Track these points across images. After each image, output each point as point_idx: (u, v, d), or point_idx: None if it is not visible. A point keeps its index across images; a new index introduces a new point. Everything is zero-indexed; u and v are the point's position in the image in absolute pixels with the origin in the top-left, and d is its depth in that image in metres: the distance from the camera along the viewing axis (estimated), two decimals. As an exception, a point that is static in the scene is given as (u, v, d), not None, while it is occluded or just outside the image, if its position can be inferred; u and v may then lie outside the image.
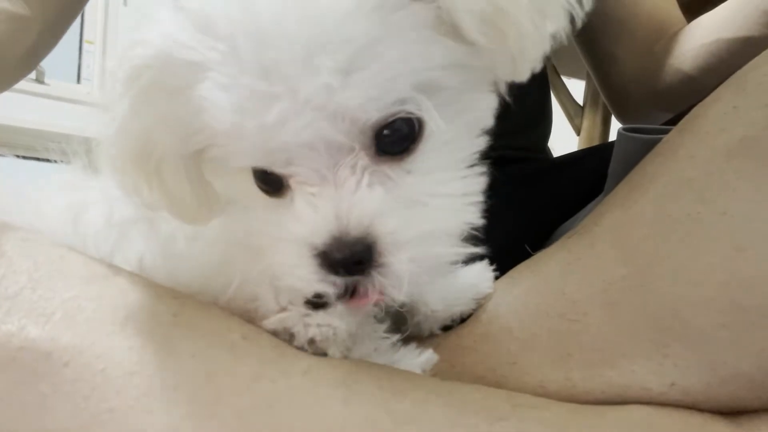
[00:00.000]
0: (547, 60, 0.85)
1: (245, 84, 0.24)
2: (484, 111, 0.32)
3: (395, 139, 0.27)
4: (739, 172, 0.30)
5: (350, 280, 0.27)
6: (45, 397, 0.25)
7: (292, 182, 0.27)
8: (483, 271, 0.40)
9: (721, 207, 0.30)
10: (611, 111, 0.79)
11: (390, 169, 0.27)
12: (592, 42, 0.73)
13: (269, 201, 0.29)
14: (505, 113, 0.62)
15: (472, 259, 0.42)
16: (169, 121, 0.27)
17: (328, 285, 0.27)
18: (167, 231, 0.33)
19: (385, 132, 0.27)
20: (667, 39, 0.65)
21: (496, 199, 0.55)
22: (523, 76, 0.30)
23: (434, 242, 0.28)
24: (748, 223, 0.29)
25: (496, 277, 0.41)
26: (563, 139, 0.89)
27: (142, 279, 0.31)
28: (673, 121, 0.40)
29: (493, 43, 0.27)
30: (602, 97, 0.80)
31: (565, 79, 1.19)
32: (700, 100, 0.35)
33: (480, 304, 0.39)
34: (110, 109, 0.28)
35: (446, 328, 0.39)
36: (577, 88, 1.18)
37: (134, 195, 0.30)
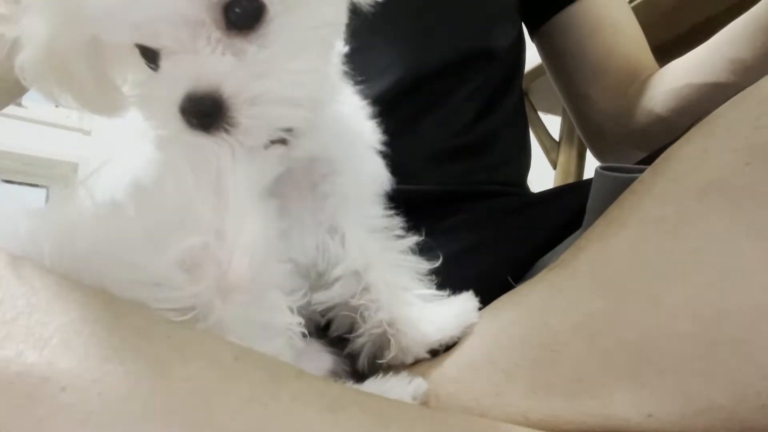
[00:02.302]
0: (525, 96, 0.88)
1: None
2: (330, 14, 0.37)
3: (242, 16, 0.33)
4: (710, 211, 0.32)
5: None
6: (42, 422, 0.25)
7: (163, 54, 0.34)
8: (468, 300, 0.41)
9: (694, 244, 0.32)
10: (588, 147, 0.82)
11: (241, 43, 0.33)
12: (569, 82, 0.76)
13: (147, 70, 0.35)
14: (486, 149, 0.65)
15: (457, 290, 0.44)
16: (66, 18, 0.33)
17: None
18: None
19: (236, 9, 0.32)
20: (640, 82, 0.69)
21: (479, 232, 0.57)
22: None
23: (274, 103, 0.33)
24: (720, 260, 0.31)
25: (479, 308, 0.42)
26: (540, 172, 0.91)
27: (136, 304, 0.31)
28: (648, 159, 0.42)
29: None
30: (578, 133, 0.83)
31: (542, 114, 1.23)
32: (673, 140, 0.37)
33: (465, 333, 0.40)
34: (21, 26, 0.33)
35: (434, 353, 0.40)
36: (553, 123, 1.21)
37: (50, 96, 0.35)
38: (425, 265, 0.45)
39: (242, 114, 0.32)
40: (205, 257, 0.32)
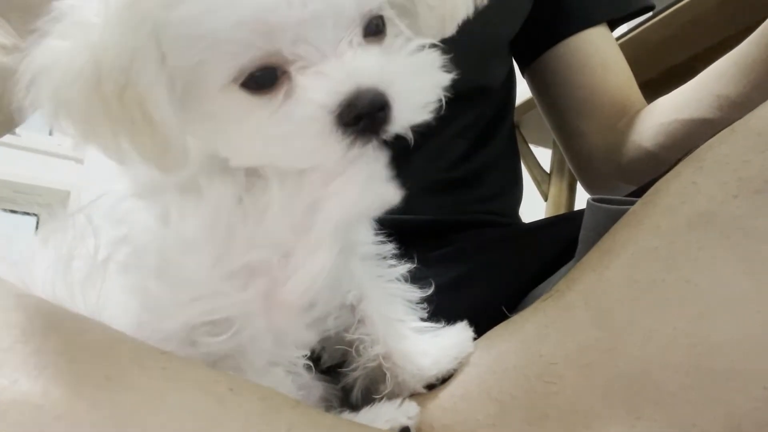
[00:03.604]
0: (516, 128, 0.90)
1: None
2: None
3: (373, 28, 0.32)
4: (699, 243, 0.33)
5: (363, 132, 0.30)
6: None
7: (292, 69, 0.30)
8: (463, 331, 0.41)
9: (685, 275, 0.32)
10: (578, 179, 0.83)
11: (373, 48, 0.32)
12: (559, 116, 0.78)
13: (258, 105, 0.30)
14: (478, 181, 0.66)
15: (451, 320, 0.44)
16: (159, 37, 0.28)
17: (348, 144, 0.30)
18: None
19: (372, 21, 0.32)
20: (628, 118, 0.70)
21: (471, 262, 0.57)
22: (448, 32, 0.37)
23: (424, 92, 0.33)
24: (711, 291, 0.31)
25: (474, 338, 0.42)
26: (531, 204, 0.92)
27: (124, 336, 0.31)
28: (638, 192, 0.43)
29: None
30: (568, 165, 0.85)
31: (532, 147, 1.25)
32: (662, 174, 0.38)
33: (461, 364, 0.40)
34: (75, 38, 0.28)
35: (430, 387, 0.40)
36: (543, 155, 1.23)
37: (94, 142, 0.29)
38: (418, 294, 0.45)
39: (400, 109, 0.31)
40: (264, 270, 0.32)
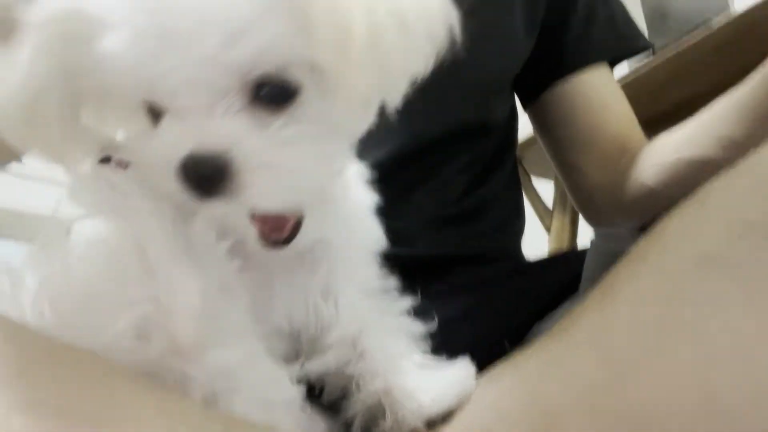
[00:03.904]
0: (518, 162, 0.90)
1: (143, 41, 0.29)
2: (352, 120, 0.35)
3: (271, 93, 0.31)
4: (704, 282, 0.32)
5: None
6: None
7: (170, 112, 0.32)
8: (465, 367, 0.41)
9: (689, 315, 0.32)
10: (581, 214, 0.83)
11: (264, 117, 0.31)
12: (560, 153, 0.78)
13: (150, 130, 0.33)
14: (480, 216, 0.66)
15: (452, 355, 0.43)
16: (66, 68, 0.31)
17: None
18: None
19: (263, 87, 0.31)
20: (629, 156, 0.71)
21: (473, 297, 0.57)
22: (369, 111, 0.35)
23: (288, 175, 0.32)
24: (718, 333, 0.31)
25: (476, 374, 0.42)
26: (533, 238, 0.92)
27: (122, 369, 0.31)
28: (642, 228, 0.43)
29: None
30: (570, 199, 0.85)
31: (534, 180, 1.26)
32: (664, 211, 0.38)
33: (462, 401, 0.39)
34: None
35: (430, 424, 0.39)
36: (545, 188, 1.24)
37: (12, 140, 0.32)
38: (421, 328, 0.44)
39: (251, 179, 0.31)
40: (151, 325, 0.32)
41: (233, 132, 0.31)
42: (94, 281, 0.32)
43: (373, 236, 0.44)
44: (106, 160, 0.36)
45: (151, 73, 0.30)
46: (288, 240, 0.36)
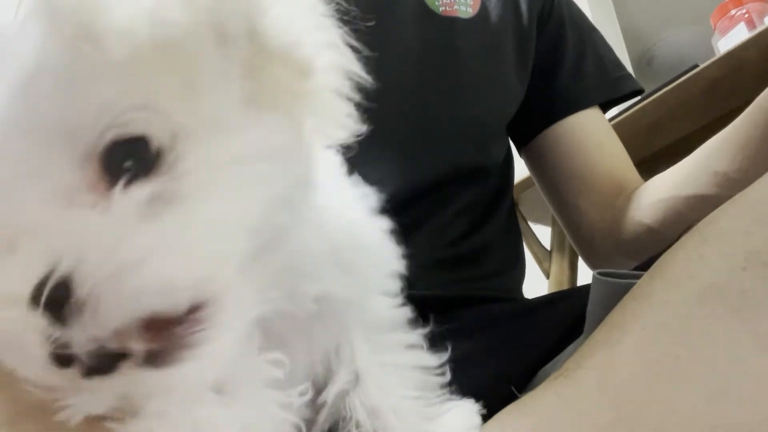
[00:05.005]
0: (515, 206, 0.91)
1: None
2: (271, 138, 0.28)
3: (127, 162, 0.23)
4: (710, 316, 0.32)
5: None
6: None
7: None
8: (470, 412, 0.39)
9: (698, 350, 0.32)
10: (580, 256, 0.83)
11: (127, 192, 0.23)
12: (557, 195, 0.79)
13: None
14: (479, 259, 0.65)
15: (458, 398, 0.42)
16: None
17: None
18: None
19: (115, 157, 0.23)
20: (626, 195, 0.71)
21: (477, 339, 0.56)
22: None
23: (136, 280, 0.22)
24: (727, 366, 0.30)
25: (482, 419, 0.40)
26: (532, 282, 0.92)
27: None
28: (643, 266, 0.43)
29: None
30: (569, 242, 0.85)
31: (532, 225, 1.26)
32: (663, 249, 0.38)
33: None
34: None
35: None
36: (543, 233, 1.24)
37: None
38: (432, 362, 0.42)
39: (102, 297, 0.22)
40: None
41: (72, 235, 0.22)
42: None
43: (386, 268, 0.40)
44: None
45: None
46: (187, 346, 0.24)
